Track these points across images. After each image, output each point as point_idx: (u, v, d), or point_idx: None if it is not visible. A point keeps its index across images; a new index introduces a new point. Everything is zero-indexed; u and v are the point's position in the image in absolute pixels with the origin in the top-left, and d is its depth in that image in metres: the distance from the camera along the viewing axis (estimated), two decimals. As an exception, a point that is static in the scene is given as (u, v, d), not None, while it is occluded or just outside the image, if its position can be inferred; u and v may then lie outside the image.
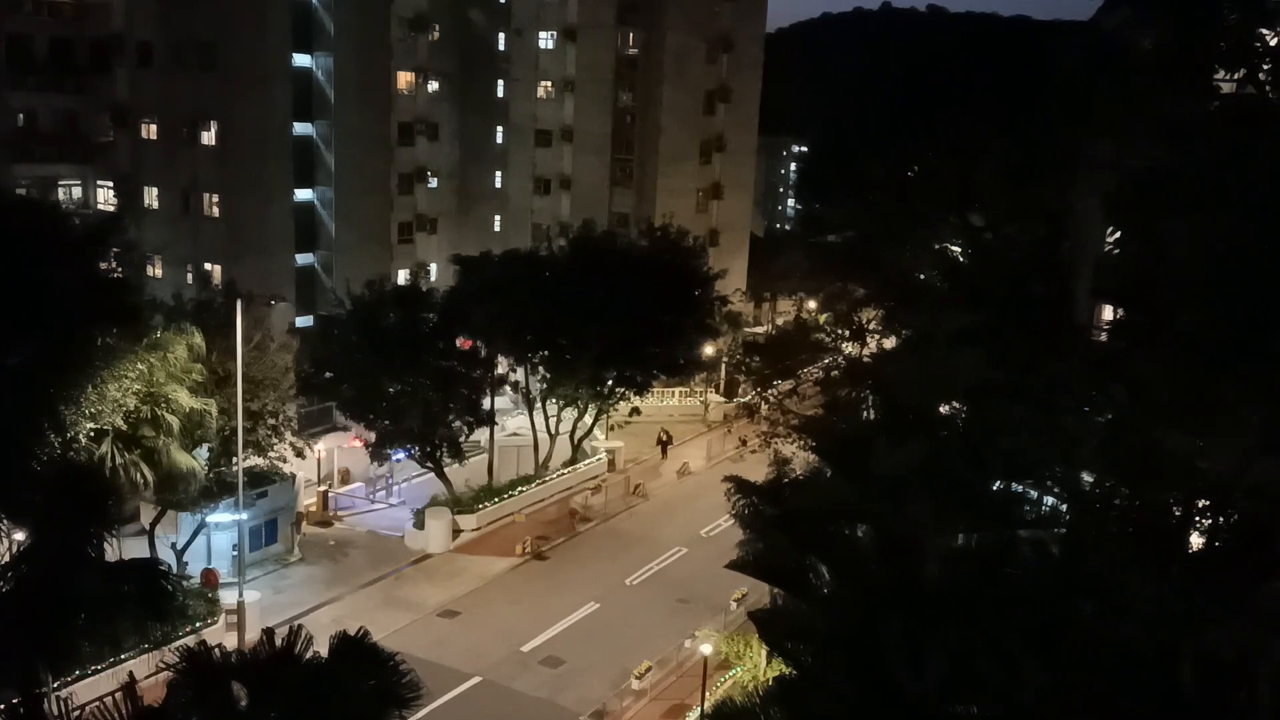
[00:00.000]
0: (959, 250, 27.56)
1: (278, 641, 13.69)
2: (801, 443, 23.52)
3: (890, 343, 35.95)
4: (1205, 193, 16.85)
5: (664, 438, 51.41)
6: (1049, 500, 18.24)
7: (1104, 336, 22.09)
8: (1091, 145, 21.00)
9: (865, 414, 22.93)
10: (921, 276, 30.01)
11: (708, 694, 26.31)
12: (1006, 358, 17.72)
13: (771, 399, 46.30)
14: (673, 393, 58.24)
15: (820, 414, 30.38)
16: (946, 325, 19.44)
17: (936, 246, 30.09)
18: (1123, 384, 18.34)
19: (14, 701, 12.34)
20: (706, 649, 26.90)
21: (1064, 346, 18.88)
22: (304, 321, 47.63)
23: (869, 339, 42.13)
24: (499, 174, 65.64)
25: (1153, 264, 20.22)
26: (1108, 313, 24.79)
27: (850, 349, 42.78)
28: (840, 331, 44.33)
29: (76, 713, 12.47)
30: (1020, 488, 17.47)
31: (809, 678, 13.44)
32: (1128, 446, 17.50)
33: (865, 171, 37.14)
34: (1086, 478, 18.23)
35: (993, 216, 27.32)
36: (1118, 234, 22.53)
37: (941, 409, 19.01)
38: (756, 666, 27.66)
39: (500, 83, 64.70)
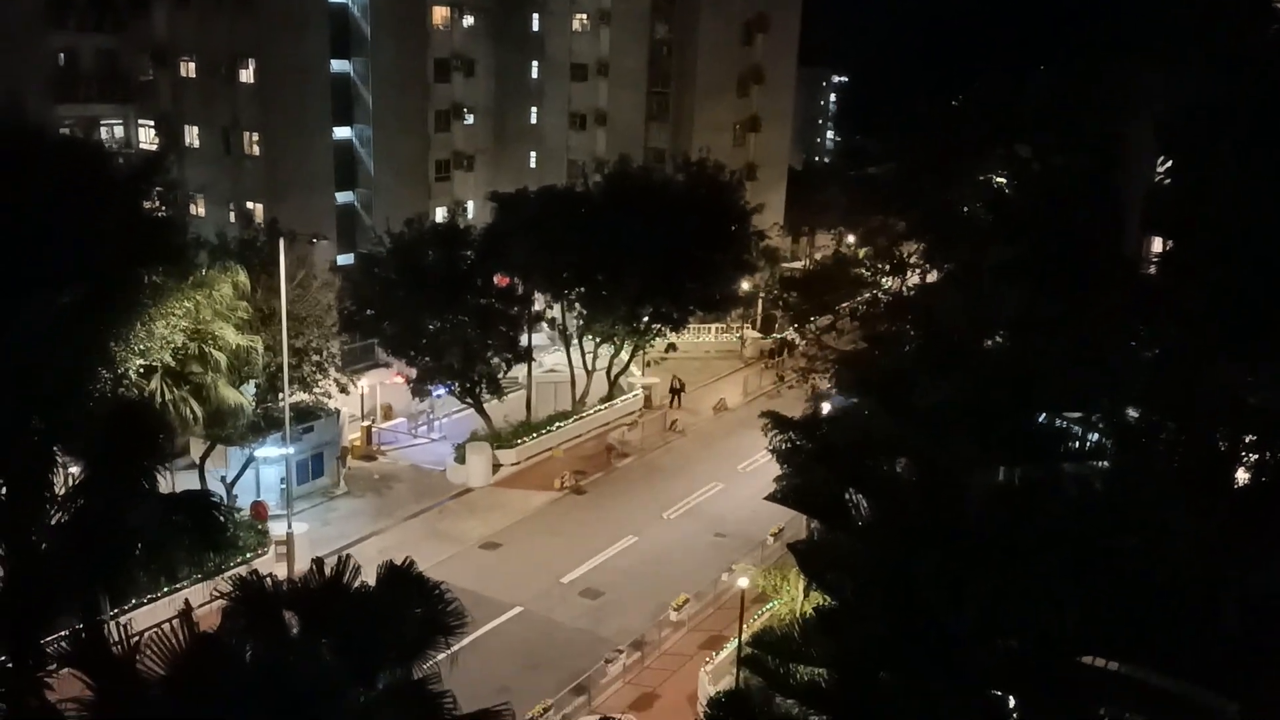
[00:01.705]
0: (1004, 182, 27.03)
1: (327, 571, 14.02)
2: (840, 378, 23.48)
3: (932, 277, 35.55)
4: (1260, 123, 16.36)
5: (677, 385, 50.01)
6: (1093, 436, 18.11)
7: (1153, 269, 21.68)
8: (1145, 74, 20.40)
9: (906, 349, 22.77)
10: (965, 209, 29.52)
11: (745, 626, 26.63)
12: (1052, 291, 17.47)
13: (809, 335, 46.10)
14: (709, 329, 58.13)
15: (859, 349, 30.23)
16: (991, 259, 19.17)
17: (981, 178, 29.54)
18: (1171, 317, 18.06)
19: (76, 628, 12.76)
20: (743, 582, 27.19)
21: (1111, 280, 18.56)
22: (345, 259, 47.87)
23: (910, 273, 41.71)
24: (535, 110, 65.13)
25: (1205, 195, 19.76)
26: (1156, 245, 24.31)
27: (890, 284, 42.39)
28: (880, 266, 43.92)
29: (136, 638, 12.88)
30: (1064, 423, 17.33)
31: (848, 610, 13.56)
32: (1174, 381, 17.28)
33: (907, 102, 36.42)
34: (1132, 413, 18.05)
35: (1040, 147, 26.70)
36: (1169, 164, 21.99)
37: (985, 343, 18.84)
38: (794, 600, 27.93)
39: (536, 16, 63.87)
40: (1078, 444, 16.92)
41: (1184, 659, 15.79)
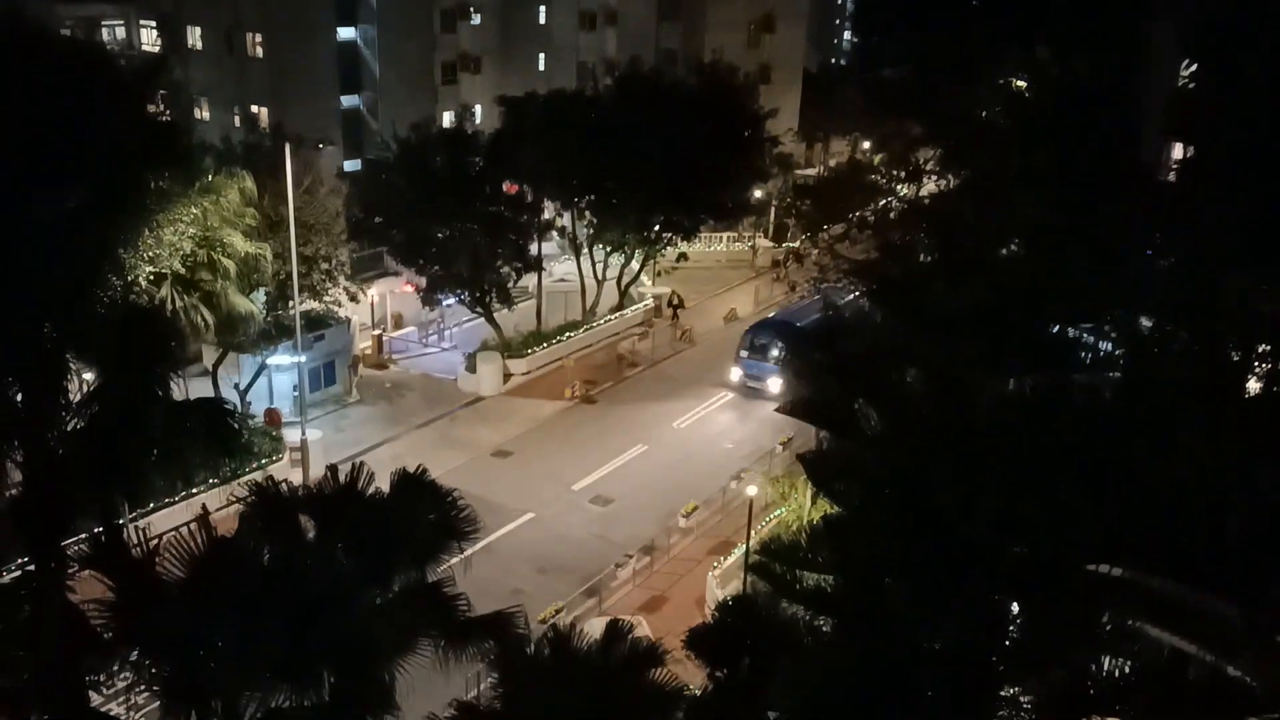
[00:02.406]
0: (1024, 85, 26.39)
1: (341, 477, 14.17)
2: (853, 287, 23.31)
3: (948, 183, 35.02)
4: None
5: (675, 301, 49.30)
6: (1105, 345, 18.04)
7: (1172, 177, 21.31)
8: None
9: (920, 258, 22.55)
10: (983, 114, 28.90)
11: (753, 532, 27.00)
12: (1069, 198, 17.20)
13: (822, 243, 45.71)
14: (720, 238, 57.70)
15: (872, 258, 29.97)
16: (1009, 165, 18.83)
17: (1000, 81, 28.83)
18: (1188, 225, 17.81)
19: (95, 531, 12.97)
20: (752, 490, 27.47)
21: (1130, 187, 18.24)
22: (352, 165, 47.36)
23: (925, 180, 41.11)
24: (543, 9, 63.53)
25: (1228, 101, 19.31)
26: (1177, 151, 23.86)
27: (906, 191, 41.83)
28: (896, 172, 43.28)
29: (154, 541, 13.10)
30: (1077, 333, 17.24)
31: (856, 517, 13.68)
32: (1189, 289, 17.13)
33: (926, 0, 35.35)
34: (1145, 322, 17.94)
35: (1061, 48, 25.98)
36: (1193, 69, 21.45)
37: (1000, 252, 18.64)
38: (801, 507, 28.24)
39: (544, -90, 61.93)
40: (1090, 354, 16.86)
41: (1189, 565, 16.01)
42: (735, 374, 42.01)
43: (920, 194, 40.05)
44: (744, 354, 41.97)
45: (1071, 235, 17.27)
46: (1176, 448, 13.57)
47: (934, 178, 39.54)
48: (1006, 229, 18.95)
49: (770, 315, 45.54)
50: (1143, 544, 14.26)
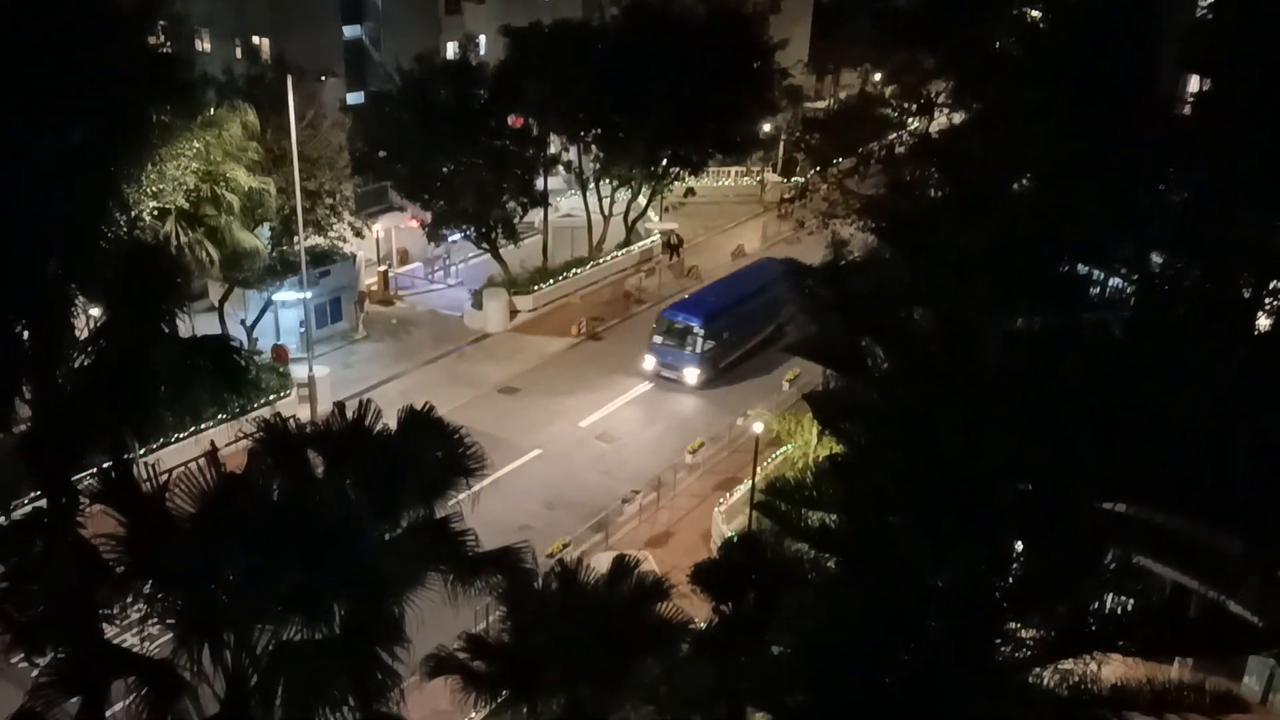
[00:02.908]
0: (1038, 15, 25.82)
1: (349, 414, 14.22)
2: (861, 224, 23.10)
3: (960, 118, 34.48)
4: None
5: (674, 240, 48.08)
6: (1115, 282, 17.93)
7: (1188, 110, 20.94)
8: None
9: (930, 194, 22.31)
10: (996, 45, 28.34)
11: (758, 469, 27.15)
12: (1083, 133, 16.93)
13: (831, 178, 45.19)
14: (729, 172, 57.08)
15: (882, 194, 29.65)
16: (1022, 98, 18.51)
17: (1014, 11, 28.23)
18: (1203, 160, 17.57)
19: (105, 466, 13.06)
20: (758, 427, 27.56)
21: (1145, 121, 17.95)
22: (355, 98, 46.66)
23: (937, 114, 40.47)
24: (549, -65, 62.08)
25: (1246, 33, 18.92)
26: (1193, 84, 23.44)
27: (917, 125, 41.22)
28: (907, 106, 42.57)
29: (164, 476, 13.20)
30: (1087, 270, 17.11)
31: (861, 456, 13.71)
32: (1202, 225, 16.96)
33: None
34: (1156, 259, 17.79)
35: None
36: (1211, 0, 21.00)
37: (1012, 188, 18.42)
38: (807, 444, 28.33)
39: None
40: (1100, 292, 16.76)
41: (1194, 501, 16.09)
42: (649, 362, 37.16)
43: (931, 128, 39.45)
44: (657, 339, 37.04)
45: (1085, 170, 17.03)
46: (1185, 386, 13.52)
47: (946, 111, 38.92)
48: (1018, 164, 18.69)
49: (690, 294, 41.55)
50: (1149, 481, 14.32)
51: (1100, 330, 14.63)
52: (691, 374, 36.47)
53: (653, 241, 48.36)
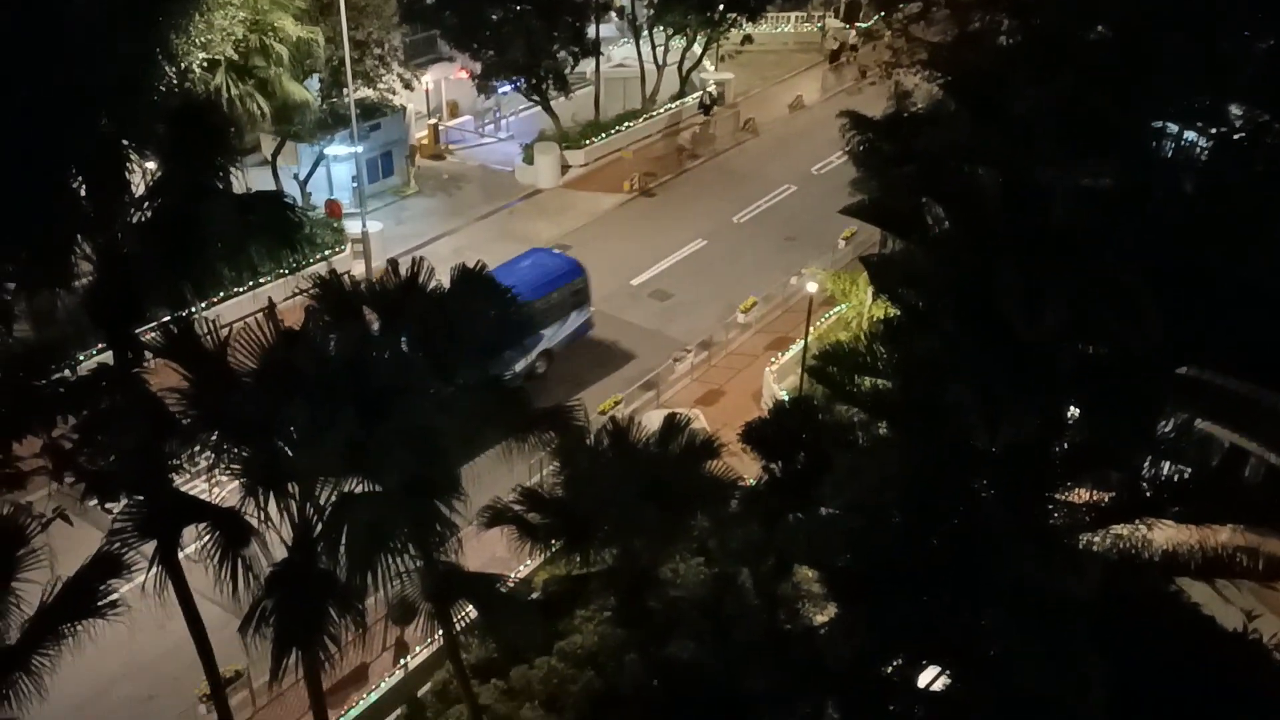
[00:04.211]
0: None
1: (402, 271, 14.27)
2: (926, 75, 22.14)
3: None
4: None
5: (707, 100, 45.87)
6: (1190, 136, 17.15)
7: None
8: None
9: (1001, 43, 21.27)
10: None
11: (811, 329, 27.00)
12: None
13: (896, 25, 43.17)
14: (788, 18, 54.86)
15: (950, 42, 28.38)
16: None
17: None
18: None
19: (166, 320, 13.31)
20: (812, 286, 27.24)
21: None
22: (401, -57, 45.30)
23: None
24: None
25: None
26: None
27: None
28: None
29: (224, 331, 13.44)
30: (1161, 123, 16.34)
31: (917, 321, 13.49)
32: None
33: None
34: (1236, 111, 16.92)
35: None
36: None
37: (1087, 38, 17.46)
38: (861, 304, 28.04)
39: None
40: (1173, 145, 16.04)
41: (1260, 364, 15.75)
42: None
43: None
44: None
45: (1165, 16, 16.07)
46: (1258, 247, 13.02)
47: (1020, -47, 36.76)
48: (1094, 11, 17.66)
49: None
50: (1215, 344, 13.99)
51: (1172, 188, 14.04)
52: None
53: (709, 91, 46.86)
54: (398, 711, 19.18)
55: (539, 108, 42.00)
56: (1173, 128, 17.06)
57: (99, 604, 11.11)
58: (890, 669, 11.87)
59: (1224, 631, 9.83)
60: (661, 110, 45.30)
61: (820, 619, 14.28)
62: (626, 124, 43.64)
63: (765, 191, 40.39)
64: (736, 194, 40.20)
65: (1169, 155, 15.60)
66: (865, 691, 11.74)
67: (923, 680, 12.49)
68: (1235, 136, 16.61)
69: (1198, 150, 17.07)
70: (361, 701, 18.97)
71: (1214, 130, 16.78)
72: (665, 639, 18.27)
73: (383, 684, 19.38)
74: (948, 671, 11.94)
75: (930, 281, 12.64)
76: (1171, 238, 12.56)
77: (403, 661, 19.95)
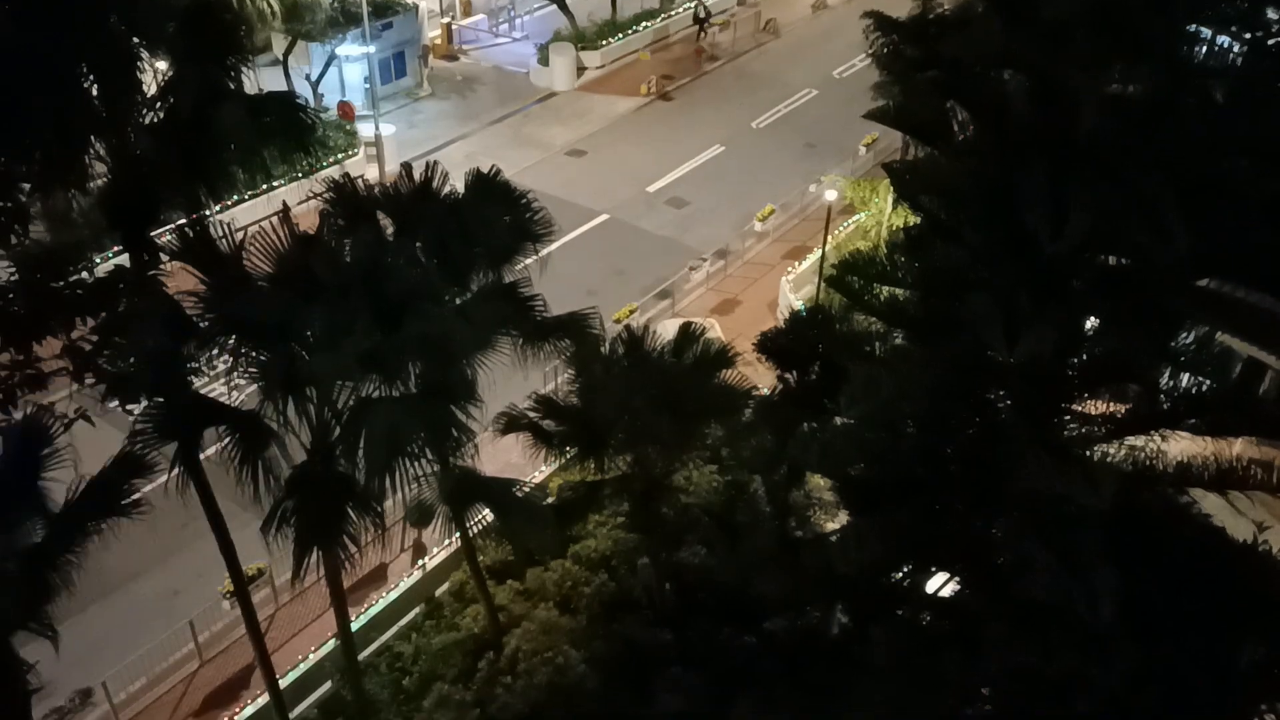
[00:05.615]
0: None
1: (416, 176, 14.11)
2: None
3: None
4: None
5: (701, 14, 43.53)
6: (1223, 41, 16.64)
7: None
8: None
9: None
10: None
11: (829, 237, 26.73)
12: None
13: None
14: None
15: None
16: None
17: None
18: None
19: (180, 222, 13.26)
20: (831, 195, 26.87)
21: None
22: None
23: None
24: None
25: None
26: None
27: None
28: None
29: (239, 235, 13.38)
30: (1194, 27, 15.83)
31: (939, 230, 13.30)
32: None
33: None
34: (1273, 15, 16.37)
35: None
36: None
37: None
38: (881, 213, 27.70)
39: None
40: (1207, 51, 15.58)
41: (1276, 276, 15.54)
42: None
43: None
44: None
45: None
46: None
47: None
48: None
49: None
50: (1240, 258, 13.78)
51: (1203, 96, 13.66)
52: None
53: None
54: (416, 610, 19.66)
55: (554, 6, 41.02)
56: (1206, 33, 16.56)
57: (123, 502, 11.28)
58: (899, 576, 12.02)
59: (1235, 542, 9.88)
60: (680, 9, 44.18)
61: (831, 526, 14.44)
62: (644, 24, 42.66)
63: (785, 96, 39.61)
64: (756, 98, 39.44)
65: (1201, 61, 15.15)
66: (874, 597, 11.91)
67: (931, 587, 12.66)
68: (1271, 42, 16.11)
69: (1231, 57, 16.58)
70: (381, 600, 19.43)
71: (1249, 35, 16.27)
72: (677, 544, 18.58)
73: (401, 584, 19.82)
74: (957, 579, 12.08)
75: (954, 190, 12.41)
76: (1200, 147, 12.26)
77: (421, 562, 20.37)
